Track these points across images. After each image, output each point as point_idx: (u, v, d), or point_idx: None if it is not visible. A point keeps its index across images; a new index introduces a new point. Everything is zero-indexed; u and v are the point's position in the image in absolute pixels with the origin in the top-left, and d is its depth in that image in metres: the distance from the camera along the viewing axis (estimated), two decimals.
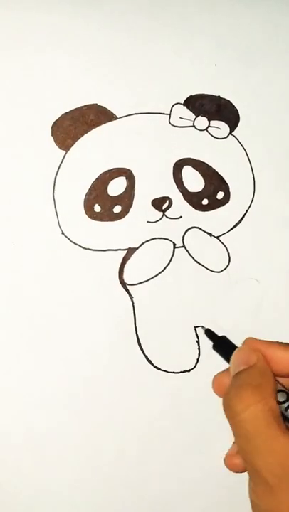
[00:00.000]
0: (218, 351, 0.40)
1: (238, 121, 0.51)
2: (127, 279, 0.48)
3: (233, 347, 0.41)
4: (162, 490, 0.48)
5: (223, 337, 0.42)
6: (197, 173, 0.50)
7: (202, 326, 0.44)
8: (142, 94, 0.50)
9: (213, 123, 0.51)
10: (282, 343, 0.37)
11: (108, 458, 0.47)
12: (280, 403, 0.34)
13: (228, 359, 0.40)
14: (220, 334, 0.49)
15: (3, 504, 0.46)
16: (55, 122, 0.48)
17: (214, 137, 0.51)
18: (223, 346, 0.41)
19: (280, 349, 0.36)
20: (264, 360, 0.35)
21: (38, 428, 0.46)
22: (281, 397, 0.34)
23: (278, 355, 0.36)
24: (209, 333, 0.42)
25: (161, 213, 0.49)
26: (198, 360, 0.48)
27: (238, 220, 0.51)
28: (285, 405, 0.34)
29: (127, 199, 0.49)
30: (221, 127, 0.51)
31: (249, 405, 0.31)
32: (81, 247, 0.48)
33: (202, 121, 0.50)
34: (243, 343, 0.40)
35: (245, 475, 0.45)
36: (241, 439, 0.31)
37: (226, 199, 0.51)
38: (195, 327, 0.48)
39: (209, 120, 0.51)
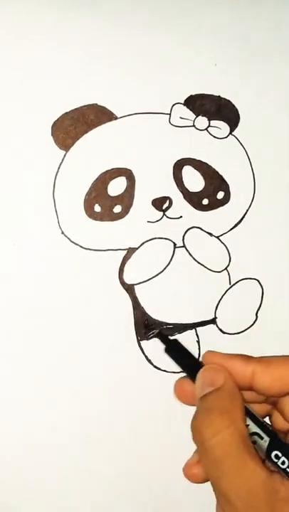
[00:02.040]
0: (170, 355, 0.40)
1: (239, 121, 0.51)
2: (127, 279, 0.48)
3: (185, 352, 0.40)
4: (162, 489, 0.48)
5: (175, 341, 0.41)
6: (197, 172, 0.50)
7: (155, 330, 0.44)
8: (142, 94, 0.50)
9: (213, 123, 0.51)
10: (242, 355, 0.37)
11: (108, 457, 0.47)
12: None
13: (180, 363, 0.39)
14: (219, 335, 0.49)
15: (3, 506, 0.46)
16: (55, 122, 0.48)
17: (214, 137, 0.51)
18: (175, 350, 0.40)
19: (240, 362, 0.35)
20: (231, 380, 0.35)
21: (36, 426, 0.46)
22: (248, 421, 0.34)
23: (238, 368, 0.35)
24: (161, 337, 0.41)
25: (162, 213, 0.49)
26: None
27: (238, 219, 0.51)
28: (250, 428, 0.34)
29: (127, 199, 0.49)
30: (221, 127, 0.51)
31: (219, 431, 0.31)
32: (81, 247, 0.48)
33: (202, 121, 0.50)
34: (203, 358, 0.39)
35: None
36: (210, 463, 0.31)
37: (226, 199, 0.51)
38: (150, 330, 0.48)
39: (209, 120, 0.51)
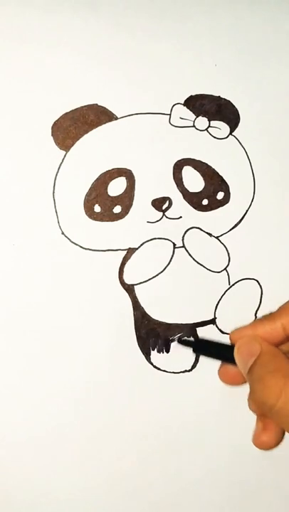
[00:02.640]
0: (201, 353, 0.40)
1: (239, 122, 0.51)
2: (127, 279, 0.48)
3: (214, 344, 0.40)
4: (162, 490, 0.48)
5: (198, 339, 0.41)
6: (197, 173, 0.50)
7: (174, 339, 0.44)
8: (142, 94, 0.50)
9: (213, 123, 0.51)
10: (265, 317, 0.37)
11: (108, 458, 0.47)
12: None
13: (215, 356, 0.40)
14: (219, 335, 0.50)
15: (2, 505, 0.46)
16: (55, 122, 0.48)
17: (214, 137, 0.51)
18: (204, 348, 0.40)
19: (266, 324, 0.36)
20: (266, 342, 0.35)
21: (37, 426, 0.46)
22: None
23: (268, 330, 0.36)
24: (185, 342, 0.42)
25: (161, 213, 0.49)
26: (198, 360, 0.48)
27: (238, 220, 0.51)
28: None
29: (127, 199, 0.49)
30: (221, 127, 0.51)
31: (280, 392, 0.31)
32: (81, 247, 0.48)
33: (202, 122, 0.50)
34: (231, 337, 0.40)
35: (243, 482, 0.45)
36: (288, 423, 0.32)
37: (226, 199, 0.51)
38: (170, 339, 0.48)
39: (209, 120, 0.51)
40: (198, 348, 0.40)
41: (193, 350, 0.40)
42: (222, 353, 0.39)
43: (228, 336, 0.49)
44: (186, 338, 0.41)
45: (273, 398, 0.32)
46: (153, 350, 0.48)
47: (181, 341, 0.42)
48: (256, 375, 0.34)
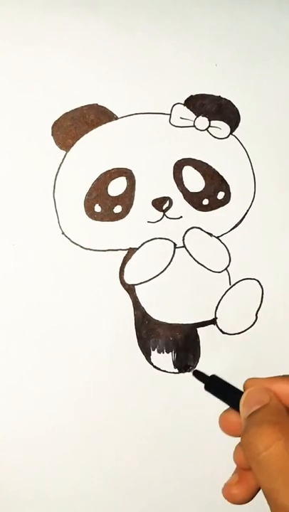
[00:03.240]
0: (211, 391, 0.40)
1: (239, 121, 0.51)
2: (127, 279, 0.48)
3: (226, 385, 0.40)
4: (161, 490, 0.48)
5: (214, 376, 0.41)
6: (197, 173, 0.50)
7: (191, 368, 0.44)
8: (142, 94, 0.50)
9: (213, 123, 0.51)
10: (284, 376, 0.37)
11: (108, 458, 0.47)
12: None
13: (222, 398, 0.39)
14: (220, 335, 0.49)
15: (3, 505, 0.46)
16: (55, 122, 0.48)
17: (215, 137, 0.51)
18: (216, 386, 0.40)
19: (282, 383, 0.36)
20: (277, 398, 0.35)
21: (37, 426, 0.46)
22: None
23: (281, 389, 0.36)
24: (198, 374, 0.42)
25: (162, 213, 0.49)
26: (198, 360, 0.48)
27: (238, 220, 0.51)
28: None
29: (127, 199, 0.49)
30: (221, 127, 0.51)
31: (271, 443, 0.31)
32: (81, 247, 0.48)
33: (203, 121, 0.50)
34: (245, 384, 0.39)
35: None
36: (265, 477, 0.31)
37: (227, 199, 0.51)
38: (186, 368, 0.48)
39: (210, 120, 0.51)
40: (209, 386, 0.39)
41: (205, 387, 0.40)
42: (232, 396, 0.39)
43: (229, 336, 0.50)
44: (200, 371, 0.40)
45: (263, 445, 0.31)
46: (153, 350, 0.48)
47: (195, 373, 0.41)
48: (257, 419, 0.34)
